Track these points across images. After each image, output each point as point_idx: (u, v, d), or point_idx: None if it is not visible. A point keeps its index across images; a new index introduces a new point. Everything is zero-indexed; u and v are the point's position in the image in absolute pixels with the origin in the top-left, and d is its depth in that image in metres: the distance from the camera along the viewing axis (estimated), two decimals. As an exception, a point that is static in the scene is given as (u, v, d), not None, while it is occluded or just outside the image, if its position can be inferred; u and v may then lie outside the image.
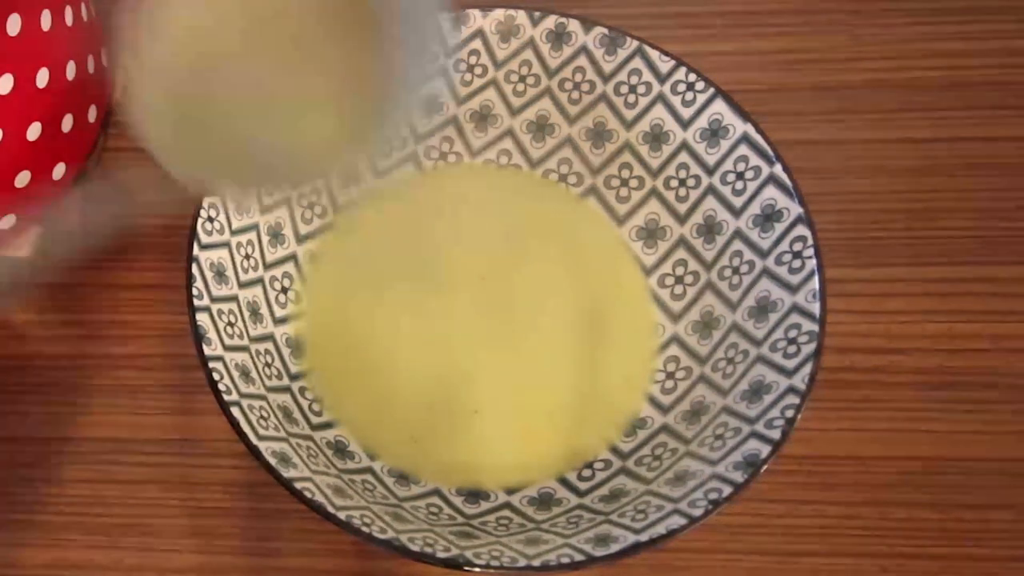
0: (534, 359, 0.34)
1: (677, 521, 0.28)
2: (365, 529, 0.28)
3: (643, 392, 0.34)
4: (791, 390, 0.30)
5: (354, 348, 0.34)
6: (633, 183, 0.37)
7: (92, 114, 0.40)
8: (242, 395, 0.30)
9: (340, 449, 0.33)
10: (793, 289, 0.32)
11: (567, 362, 0.34)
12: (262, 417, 0.30)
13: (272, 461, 0.28)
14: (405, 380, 0.34)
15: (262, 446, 0.29)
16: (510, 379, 0.34)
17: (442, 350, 0.34)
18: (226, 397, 0.29)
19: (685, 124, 0.35)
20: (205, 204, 0.32)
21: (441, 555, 0.27)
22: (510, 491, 0.32)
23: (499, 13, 0.36)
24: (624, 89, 0.36)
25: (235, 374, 0.30)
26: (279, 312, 0.35)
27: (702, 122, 0.35)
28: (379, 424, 0.33)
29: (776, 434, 0.29)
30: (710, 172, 0.35)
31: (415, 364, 0.34)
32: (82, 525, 0.35)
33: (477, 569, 0.27)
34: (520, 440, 0.33)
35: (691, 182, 0.36)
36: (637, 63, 0.35)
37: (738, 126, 0.34)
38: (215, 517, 0.35)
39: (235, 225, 0.33)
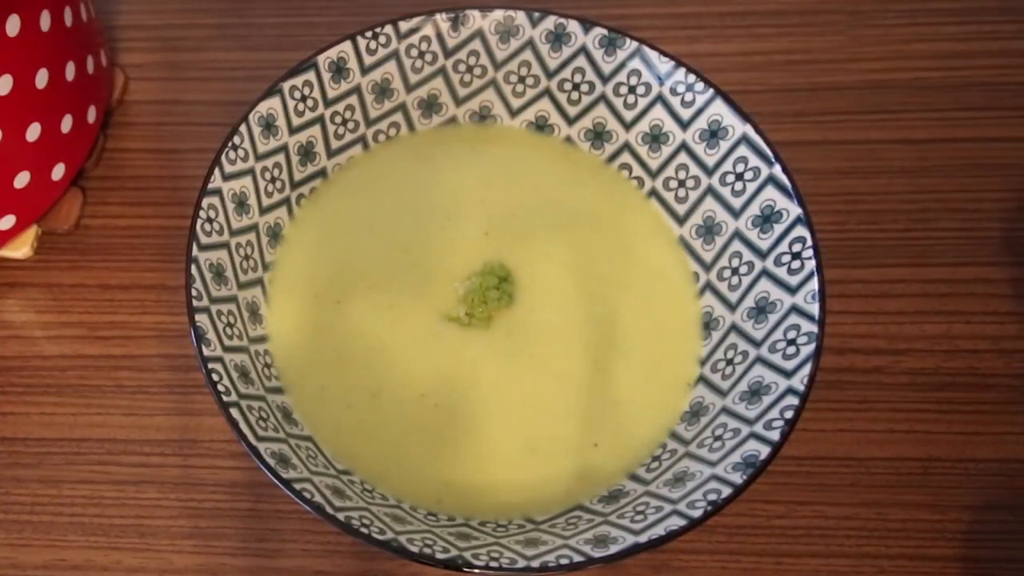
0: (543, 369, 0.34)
1: (676, 522, 0.28)
2: (364, 530, 0.28)
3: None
4: (790, 391, 0.30)
5: (343, 360, 0.34)
6: (632, 184, 0.37)
7: (91, 114, 0.40)
8: (241, 396, 0.30)
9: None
10: (792, 290, 0.32)
11: (578, 372, 0.34)
12: (261, 418, 0.30)
13: (271, 462, 0.28)
14: (398, 396, 0.33)
15: (261, 447, 0.29)
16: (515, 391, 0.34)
17: (443, 360, 0.34)
18: (225, 398, 0.29)
19: (684, 125, 0.35)
20: (204, 204, 0.32)
21: (440, 556, 0.27)
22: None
23: (498, 14, 0.36)
24: (623, 90, 0.36)
25: (234, 375, 0.31)
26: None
27: (701, 123, 0.35)
28: (359, 441, 0.33)
29: (775, 435, 0.29)
30: (709, 173, 0.35)
31: (411, 376, 0.34)
32: (81, 526, 0.35)
33: (476, 570, 0.27)
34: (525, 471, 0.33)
35: (690, 183, 0.36)
36: (636, 64, 0.35)
37: (737, 127, 0.34)
38: (214, 518, 0.35)
39: (234, 226, 0.33)
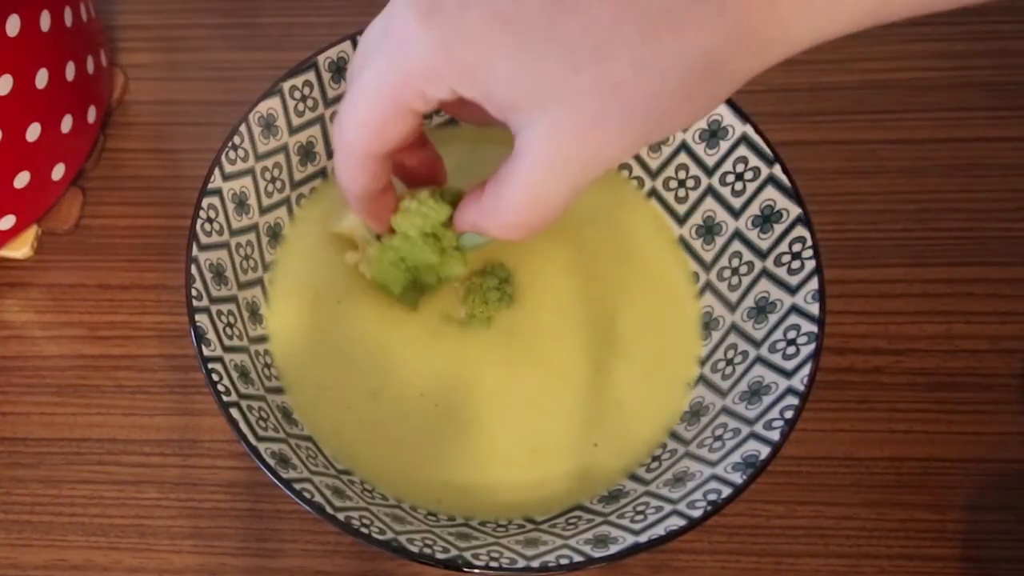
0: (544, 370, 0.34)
1: (676, 522, 0.28)
2: (364, 530, 0.28)
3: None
4: (790, 391, 0.30)
5: (347, 361, 0.34)
6: (632, 184, 0.37)
7: (91, 114, 0.40)
8: (241, 396, 0.30)
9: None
10: (792, 290, 0.32)
11: (578, 372, 0.34)
12: (261, 418, 0.30)
13: (271, 462, 0.28)
14: (400, 396, 0.33)
15: (261, 447, 0.29)
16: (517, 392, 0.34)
17: (444, 361, 0.34)
18: (225, 398, 0.29)
19: (684, 125, 0.35)
20: (204, 204, 0.32)
21: (440, 556, 0.27)
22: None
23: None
24: (623, 90, 0.36)
25: (234, 375, 0.31)
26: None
27: (701, 123, 0.35)
28: (359, 441, 0.33)
29: (775, 435, 0.29)
30: (709, 173, 0.35)
31: (411, 376, 0.34)
32: (81, 526, 0.35)
33: (476, 570, 0.27)
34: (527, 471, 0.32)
35: (690, 183, 0.36)
36: (636, 64, 0.35)
37: (737, 127, 0.34)
38: (214, 518, 0.35)
39: (234, 225, 0.33)
